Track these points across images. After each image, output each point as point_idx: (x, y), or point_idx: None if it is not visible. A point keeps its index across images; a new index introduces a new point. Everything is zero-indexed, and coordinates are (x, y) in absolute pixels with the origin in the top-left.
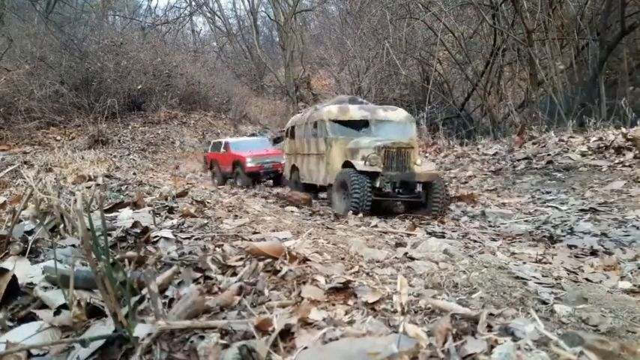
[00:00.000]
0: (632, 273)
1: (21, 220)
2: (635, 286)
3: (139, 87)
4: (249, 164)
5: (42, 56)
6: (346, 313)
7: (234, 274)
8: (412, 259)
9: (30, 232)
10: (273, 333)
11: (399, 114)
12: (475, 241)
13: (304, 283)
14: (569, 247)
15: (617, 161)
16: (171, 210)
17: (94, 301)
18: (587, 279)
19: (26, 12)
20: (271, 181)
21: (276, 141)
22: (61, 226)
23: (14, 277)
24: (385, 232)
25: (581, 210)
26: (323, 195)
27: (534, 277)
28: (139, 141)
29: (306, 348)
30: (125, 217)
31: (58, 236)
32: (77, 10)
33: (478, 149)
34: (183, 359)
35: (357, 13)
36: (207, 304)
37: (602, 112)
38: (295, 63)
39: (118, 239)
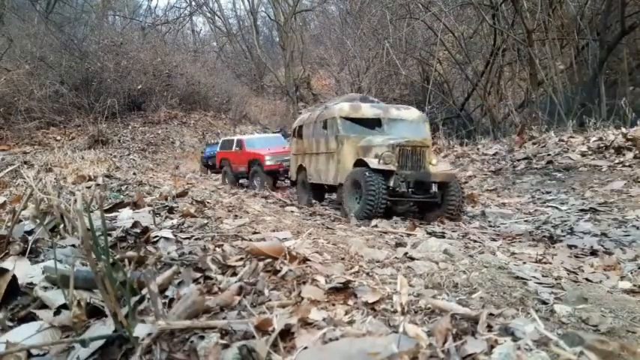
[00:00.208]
0: (632, 273)
1: (21, 220)
2: (635, 286)
3: (139, 87)
4: (269, 162)
5: (42, 56)
6: (346, 313)
7: (234, 274)
8: (412, 259)
9: (30, 232)
10: (273, 333)
11: (413, 113)
12: (475, 241)
13: (304, 283)
14: (569, 247)
15: (617, 161)
16: (171, 210)
17: (94, 301)
18: (587, 279)
19: (26, 12)
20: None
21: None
22: (61, 226)
23: (14, 277)
24: (385, 232)
25: (581, 210)
26: (330, 196)
27: (534, 277)
28: (139, 141)
29: (306, 348)
30: (125, 217)
31: (58, 236)
32: (77, 10)
33: (478, 149)
34: (183, 359)
35: (357, 13)
36: (207, 304)
37: (602, 112)
38: (295, 63)
39: (118, 239)
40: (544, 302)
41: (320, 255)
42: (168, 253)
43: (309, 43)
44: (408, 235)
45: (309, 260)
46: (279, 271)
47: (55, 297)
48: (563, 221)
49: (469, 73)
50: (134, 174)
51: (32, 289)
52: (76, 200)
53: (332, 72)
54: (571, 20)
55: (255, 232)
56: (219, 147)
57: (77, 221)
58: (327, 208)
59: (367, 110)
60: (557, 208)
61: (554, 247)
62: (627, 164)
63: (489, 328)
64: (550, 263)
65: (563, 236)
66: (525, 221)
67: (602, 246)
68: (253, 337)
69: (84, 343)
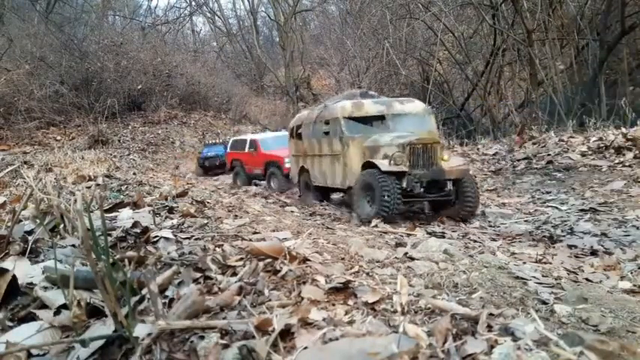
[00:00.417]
0: (632, 273)
1: (21, 220)
2: (635, 286)
3: (139, 87)
4: (288, 165)
5: (42, 56)
6: (346, 313)
7: (234, 274)
8: (412, 259)
9: (30, 232)
10: (273, 333)
11: (417, 106)
12: (475, 241)
13: (304, 283)
14: (569, 247)
15: (617, 161)
16: (171, 210)
17: (94, 301)
18: (587, 279)
19: (26, 12)
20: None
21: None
22: (61, 226)
23: (14, 277)
24: (385, 232)
25: (581, 210)
26: (334, 195)
27: (534, 277)
28: (139, 141)
29: (306, 348)
30: (125, 217)
31: (58, 236)
32: (77, 10)
33: (478, 149)
34: (183, 359)
35: (357, 13)
36: (207, 304)
37: (602, 112)
38: (295, 63)
39: (118, 239)
40: (544, 302)
41: (320, 255)
42: (168, 253)
43: (309, 43)
44: (408, 235)
45: (309, 260)
46: (279, 271)
47: (55, 297)
48: (563, 221)
49: (469, 73)
50: (134, 174)
51: (32, 289)
52: (76, 200)
53: (332, 72)
54: (571, 20)
55: (255, 232)
56: (230, 147)
57: (77, 221)
58: (327, 208)
59: (370, 107)
60: (557, 208)
61: (554, 247)
62: (627, 164)
63: (489, 328)
64: (550, 263)
65: (563, 236)
66: (525, 221)
67: (602, 246)
68: (253, 337)
69: (84, 343)
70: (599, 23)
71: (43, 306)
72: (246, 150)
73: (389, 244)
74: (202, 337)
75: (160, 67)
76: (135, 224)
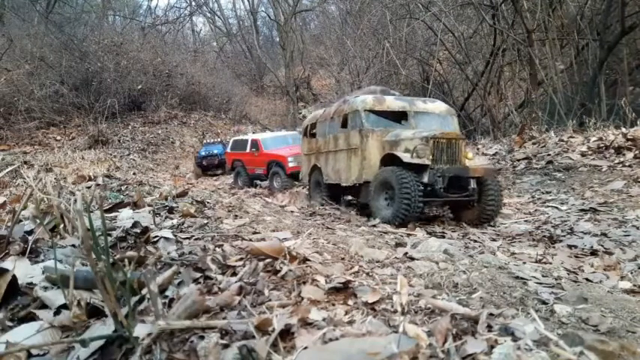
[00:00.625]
0: (632, 273)
1: (21, 220)
2: (635, 286)
3: (139, 87)
4: (292, 164)
5: (42, 56)
6: (346, 313)
7: (234, 274)
8: (412, 259)
9: (30, 232)
10: (273, 333)
11: (440, 106)
12: (475, 241)
13: (304, 283)
14: (569, 247)
15: (617, 161)
16: (171, 210)
17: (94, 301)
18: (587, 279)
19: (26, 12)
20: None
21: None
22: (61, 226)
23: (14, 277)
24: (385, 232)
25: (581, 210)
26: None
27: (534, 277)
28: (139, 141)
29: (306, 348)
30: (125, 217)
31: (58, 236)
32: (77, 10)
33: (478, 149)
34: (183, 359)
35: (357, 13)
36: (207, 304)
37: (602, 112)
38: (295, 63)
39: (118, 239)
40: (544, 302)
41: (320, 255)
42: (168, 253)
43: (309, 43)
44: (408, 235)
45: (309, 260)
46: (279, 271)
47: (55, 297)
48: (563, 221)
49: (469, 73)
50: (134, 174)
51: (32, 289)
52: (76, 200)
53: (332, 72)
54: (571, 20)
55: (255, 232)
56: (230, 147)
57: (77, 221)
58: (327, 208)
59: (392, 103)
60: (557, 208)
61: (554, 247)
62: (627, 164)
63: (489, 328)
64: (550, 263)
65: (563, 236)
66: (525, 221)
67: (602, 246)
68: (253, 337)
69: (84, 343)
70: (599, 23)
71: (43, 306)
72: (248, 150)
73: (389, 244)
74: (202, 337)
75: (159, 67)
76: (135, 224)
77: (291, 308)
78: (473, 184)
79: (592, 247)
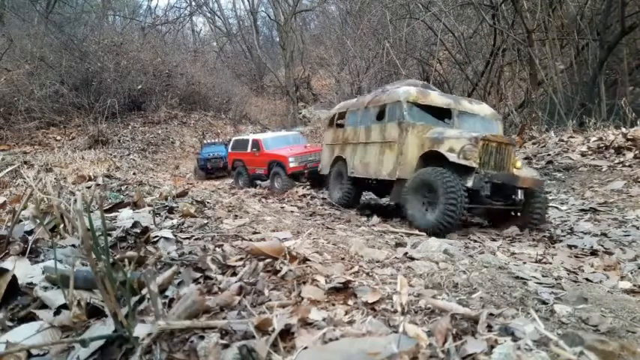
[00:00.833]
0: (632, 273)
1: (21, 220)
2: (635, 286)
3: (139, 87)
4: (292, 164)
5: (42, 56)
6: (346, 313)
7: (234, 274)
8: (412, 259)
9: (30, 232)
10: (273, 333)
11: (485, 108)
12: (475, 241)
13: (304, 283)
14: (569, 247)
15: (617, 161)
16: (171, 210)
17: (94, 301)
18: (587, 279)
19: (26, 12)
20: (306, 181)
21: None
22: (61, 226)
23: (14, 277)
24: (385, 232)
25: (581, 210)
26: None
27: (534, 277)
28: (139, 141)
29: (306, 348)
30: (125, 217)
31: (58, 236)
32: (77, 10)
33: None
34: (183, 359)
35: (357, 13)
36: (207, 304)
37: (602, 112)
38: (295, 63)
39: (118, 239)
40: (544, 302)
41: (320, 255)
42: (168, 253)
43: (309, 43)
44: (408, 235)
45: (309, 260)
46: (279, 271)
47: (55, 297)
48: (563, 221)
49: (469, 73)
50: (134, 174)
51: (32, 289)
52: (76, 200)
53: (332, 72)
54: (571, 20)
55: (255, 232)
56: (231, 147)
57: (77, 221)
58: (327, 208)
59: (437, 98)
60: (557, 208)
61: (554, 247)
62: (627, 164)
63: (489, 328)
64: (550, 263)
65: (563, 236)
66: None
67: (602, 246)
68: (253, 337)
69: (84, 343)
70: (599, 23)
71: (43, 306)
72: (249, 150)
73: (389, 244)
74: (202, 337)
75: (160, 67)
76: (135, 224)
77: (291, 308)
78: (520, 195)
79: (592, 247)
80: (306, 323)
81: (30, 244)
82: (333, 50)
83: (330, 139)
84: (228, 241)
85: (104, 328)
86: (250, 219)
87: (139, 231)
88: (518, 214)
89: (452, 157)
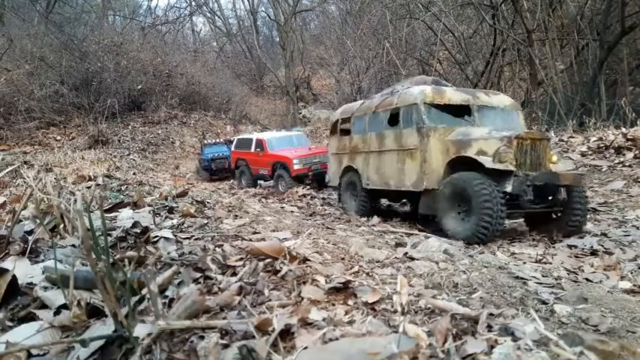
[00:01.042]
0: (632, 273)
1: (21, 220)
2: (635, 286)
3: (139, 87)
4: (297, 166)
5: (42, 56)
6: (346, 313)
7: (234, 274)
8: (412, 259)
9: (30, 232)
10: (273, 333)
11: (504, 99)
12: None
13: (304, 283)
14: (569, 247)
15: (617, 161)
16: (171, 210)
17: (94, 301)
18: (587, 279)
19: (26, 12)
20: (310, 183)
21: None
22: (61, 226)
23: (14, 277)
24: (385, 232)
25: None
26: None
27: (534, 277)
28: (139, 141)
29: (306, 348)
30: (125, 217)
31: (58, 236)
32: (77, 10)
33: None
34: (183, 359)
35: (357, 13)
36: (207, 304)
37: (602, 112)
38: (295, 63)
39: (118, 239)
40: (544, 302)
41: (320, 255)
42: (168, 253)
43: (309, 43)
44: (408, 235)
45: (309, 260)
46: (279, 271)
47: (55, 297)
48: None
49: (469, 73)
50: (134, 174)
51: (32, 289)
52: (76, 200)
53: (332, 72)
54: (571, 20)
55: (255, 232)
56: (234, 146)
57: (77, 221)
58: (327, 208)
59: (454, 95)
60: None
61: (554, 247)
62: (627, 164)
63: (489, 328)
64: (550, 263)
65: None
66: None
67: (602, 246)
68: (253, 337)
69: (84, 343)
70: (599, 23)
71: (43, 306)
72: (252, 150)
73: (389, 244)
74: (202, 337)
75: (160, 67)
76: (135, 224)
77: (291, 308)
78: (563, 193)
79: (592, 247)
80: (306, 323)
81: (30, 244)
82: (333, 50)
83: (335, 147)
84: (228, 241)
85: (104, 328)
86: (250, 219)
87: (139, 231)
88: (559, 214)
89: (488, 163)
